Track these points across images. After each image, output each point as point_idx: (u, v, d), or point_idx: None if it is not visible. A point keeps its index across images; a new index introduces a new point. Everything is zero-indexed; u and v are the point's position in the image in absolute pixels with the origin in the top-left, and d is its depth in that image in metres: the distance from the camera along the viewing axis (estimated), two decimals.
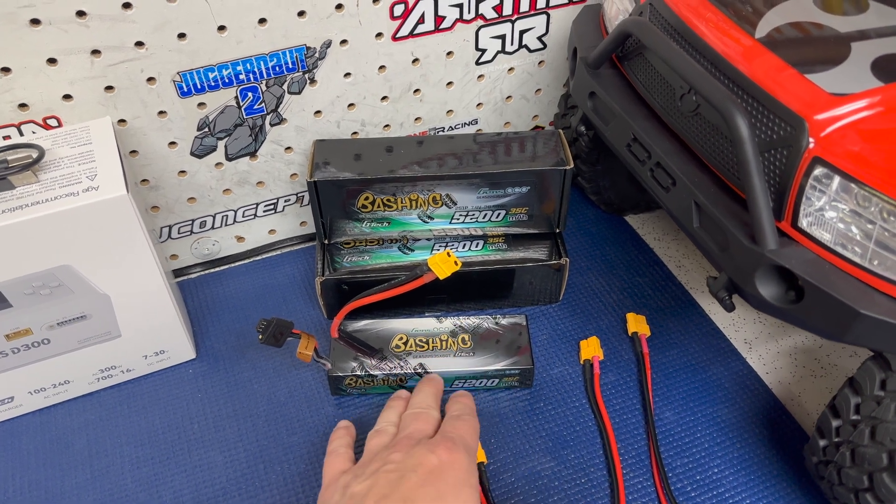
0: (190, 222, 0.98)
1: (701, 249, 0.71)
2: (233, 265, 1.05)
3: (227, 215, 1.00)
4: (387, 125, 1.00)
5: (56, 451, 0.85)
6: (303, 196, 1.03)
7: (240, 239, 1.04)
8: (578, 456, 0.84)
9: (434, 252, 0.96)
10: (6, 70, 0.77)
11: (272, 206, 1.02)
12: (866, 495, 0.68)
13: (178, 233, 0.99)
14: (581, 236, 1.09)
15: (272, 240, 1.06)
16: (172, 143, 0.90)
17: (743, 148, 0.62)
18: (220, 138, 0.92)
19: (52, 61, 0.78)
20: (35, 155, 0.74)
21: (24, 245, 0.73)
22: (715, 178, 0.70)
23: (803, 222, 0.63)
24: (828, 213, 0.61)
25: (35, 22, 0.75)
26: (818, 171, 0.60)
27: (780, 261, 0.62)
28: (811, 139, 0.60)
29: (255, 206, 1.01)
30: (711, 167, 0.70)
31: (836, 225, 0.61)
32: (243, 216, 1.01)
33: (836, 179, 0.60)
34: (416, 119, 1.01)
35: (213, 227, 1.00)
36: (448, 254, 0.80)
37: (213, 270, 1.04)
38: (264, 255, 1.06)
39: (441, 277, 0.81)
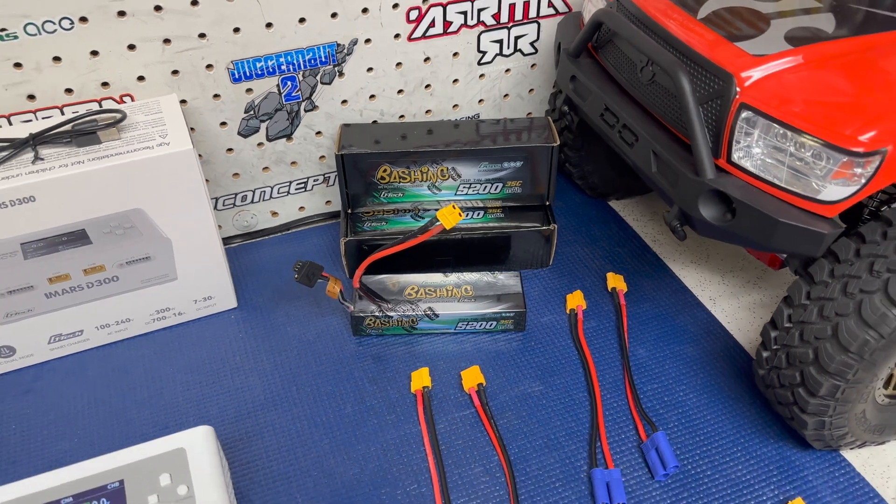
0: (233, 196, 1.15)
1: (658, 191, 0.87)
2: (267, 237, 1.21)
3: (264, 191, 1.17)
4: (402, 115, 1.18)
5: (118, 377, 1.00)
6: (329, 177, 1.20)
7: (274, 214, 1.20)
8: (563, 381, 0.98)
9: None
10: (95, 53, 0.95)
11: (303, 185, 1.19)
12: (799, 390, 0.82)
13: (223, 205, 1.15)
14: (569, 216, 1.25)
15: (301, 216, 1.22)
16: (223, 123, 1.07)
17: (685, 99, 0.79)
18: (263, 121, 1.09)
19: (131, 47, 0.96)
20: (119, 116, 0.92)
21: (106, 188, 0.89)
22: (668, 132, 0.87)
23: (735, 156, 0.79)
24: (754, 147, 0.77)
25: (121, 14, 0.93)
26: (744, 114, 0.77)
27: (717, 186, 0.78)
28: (738, 89, 0.77)
29: (288, 183, 1.17)
30: (665, 123, 0.87)
31: (760, 156, 0.77)
32: (278, 192, 1.18)
33: (759, 119, 0.76)
34: (426, 111, 1.19)
35: (252, 202, 1.17)
36: (453, 206, 0.97)
37: (250, 241, 1.20)
38: (294, 230, 1.22)
39: (448, 227, 0.96)
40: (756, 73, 0.77)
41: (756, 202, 0.76)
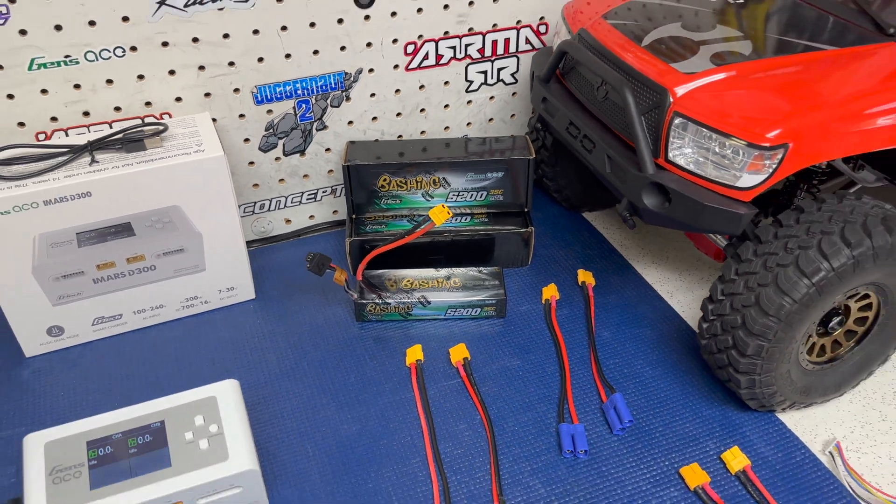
0: (252, 204, 1.32)
1: (611, 187, 1.04)
2: (281, 242, 1.38)
3: (279, 200, 1.34)
4: (400, 135, 1.35)
5: (151, 355, 1.15)
6: (336, 188, 1.37)
7: (287, 221, 1.37)
8: (538, 357, 1.13)
9: None
10: (141, 77, 1.13)
11: (313, 196, 1.36)
12: (731, 352, 0.98)
13: (244, 212, 1.32)
14: (547, 225, 1.42)
15: (311, 223, 1.39)
16: (246, 140, 1.25)
17: (630, 110, 0.97)
18: (280, 138, 1.27)
19: (171, 72, 1.14)
20: (161, 128, 1.09)
21: (150, 187, 1.06)
22: (618, 139, 1.04)
23: (670, 155, 0.96)
24: (685, 147, 0.95)
25: (165, 44, 1.12)
26: (677, 120, 0.94)
27: (657, 179, 0.95)
28: (672, 100, 0.95)
29: (300, 194, 1.35)
30: (616, 132, 1.04)
31: (690, 154, 0.94)
32: (291, 202, 1.35)
33: (689, 124, 0.93)
34: (421, 132, 1.37)
35: (268, 210, 1.34)
36: (443, 206, 1.13)
37: (266, 245, 1.37)
38: (304, 236, 1.39)
39: (438, 224, 1.13)
40: (686, 87, 0.95)
41: (687, 191, 0.93)
